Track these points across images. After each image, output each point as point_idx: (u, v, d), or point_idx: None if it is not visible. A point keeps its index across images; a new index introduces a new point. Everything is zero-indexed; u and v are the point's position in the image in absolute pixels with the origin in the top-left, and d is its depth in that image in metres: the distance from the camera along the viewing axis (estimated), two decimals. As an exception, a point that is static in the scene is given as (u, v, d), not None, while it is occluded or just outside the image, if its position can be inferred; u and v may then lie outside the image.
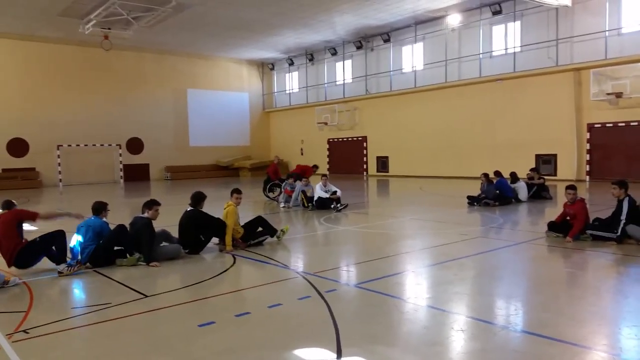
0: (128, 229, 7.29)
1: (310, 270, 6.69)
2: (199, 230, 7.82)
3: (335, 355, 3.86)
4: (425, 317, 4.96)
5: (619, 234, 7.56)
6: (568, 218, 8.26)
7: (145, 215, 7.33)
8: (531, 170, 15.07)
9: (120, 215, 11.31)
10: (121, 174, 28.95)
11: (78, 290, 6.26)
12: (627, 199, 7.61)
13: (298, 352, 3.98)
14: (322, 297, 5.38)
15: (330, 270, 6.67)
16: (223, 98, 33.65)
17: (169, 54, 30.69)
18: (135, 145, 29.92)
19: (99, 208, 7.24)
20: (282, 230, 8.71)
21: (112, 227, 7.34)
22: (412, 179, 24.75)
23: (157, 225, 7.60)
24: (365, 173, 29.50)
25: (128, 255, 7.05)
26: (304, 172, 15.97)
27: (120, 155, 29.01)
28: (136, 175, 29.40)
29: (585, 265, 6.99)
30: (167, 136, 31.26)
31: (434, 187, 20.24)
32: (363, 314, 5.08)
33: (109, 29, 22.35)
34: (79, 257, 6.86)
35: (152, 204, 7.42)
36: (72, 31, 23.86)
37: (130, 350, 4.19)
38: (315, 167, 17.27)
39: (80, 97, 27.56)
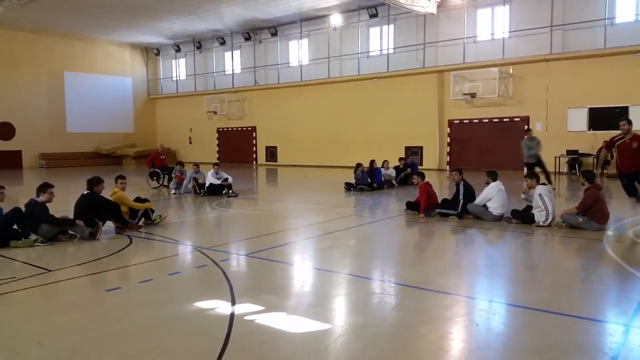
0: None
1: (205, 245, 7.52)
2: (93, 212, 8.18)
3: (230, 303, 4.82)
4: (306, 275, 6.12)
5: (459, 211, 9.39)
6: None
7: (41, 198, 7.58)
8: (401, 159, 17.22)
9: None
10: (-11, 160, 26.63)
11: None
12: (462, 182, 9.47)
13: (199, 304, 4.86)
14: (217, 265, 6.28)
15: (223, 245, 7.56)
16: (104, 82, 32.21)
17: (44, 34, 28.65)
18: (5, 131, 27.63)
19: (-7, 191, 7.35)
20: (159, 215, 9.27)
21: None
22: (299, 168, 26.16)
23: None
24: (254, 162, 30.36)
25: (23, 238, 7.28)
26: (155, 160, 16.43)
27: (-12, 140, 26.67)
28: (6, 162, 27.20)
29: (432, 234, 8.69)
30: (42, 121, 29.25)
31: (318, 175, 21.77)
32: (253, 275, 6.12)
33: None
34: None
35: (46, 187, 7.68)
36: None
37: (44, 312, 4.77)
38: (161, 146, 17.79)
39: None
